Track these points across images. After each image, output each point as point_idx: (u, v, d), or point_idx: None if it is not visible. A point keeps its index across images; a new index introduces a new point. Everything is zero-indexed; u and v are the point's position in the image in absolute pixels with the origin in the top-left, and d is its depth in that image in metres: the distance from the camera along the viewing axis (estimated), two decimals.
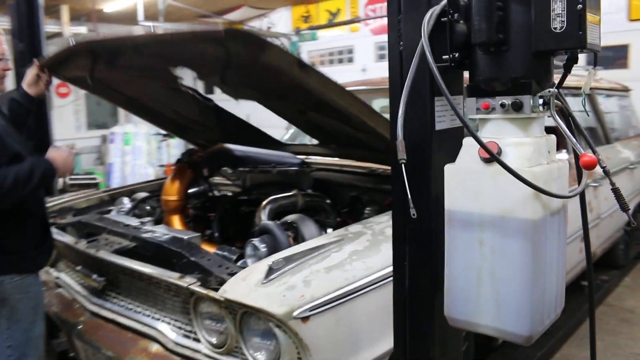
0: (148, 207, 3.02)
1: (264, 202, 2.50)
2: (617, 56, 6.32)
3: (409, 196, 1.18)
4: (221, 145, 2.78)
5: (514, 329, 1.25)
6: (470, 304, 1.31)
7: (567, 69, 1.35)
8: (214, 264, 1.95)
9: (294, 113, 2.64)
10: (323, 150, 3.12)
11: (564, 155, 3.14)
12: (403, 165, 1.21)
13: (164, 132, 8.10)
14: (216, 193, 2.86)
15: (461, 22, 1.32)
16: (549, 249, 1.26)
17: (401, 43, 1.43)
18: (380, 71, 10.01)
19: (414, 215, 1.20)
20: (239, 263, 2.19)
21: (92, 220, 2.64)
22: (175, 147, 9.09)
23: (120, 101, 3.12)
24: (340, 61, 9.62)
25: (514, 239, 1.22)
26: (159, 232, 2.30)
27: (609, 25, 6.45)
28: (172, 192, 2.57)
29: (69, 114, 9.57)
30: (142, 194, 3.17)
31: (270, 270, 1.70)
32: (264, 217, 2.43)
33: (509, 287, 1.24)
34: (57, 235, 2.61)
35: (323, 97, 2.01)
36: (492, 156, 1.13)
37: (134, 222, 2.49)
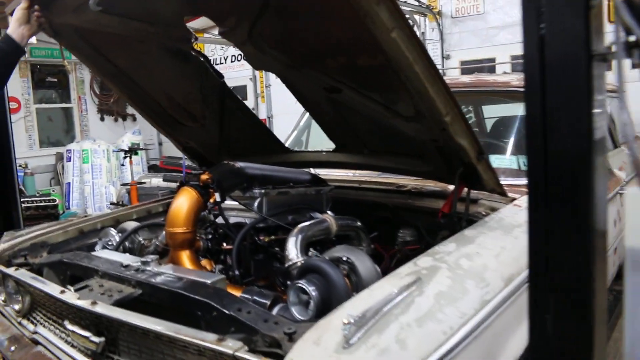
0: (141, 240, 2.55)
1: (294, 231, 2.08)
2: None
3: None
4: (230, 163, 2.34)
5: None
6: None
7: None
8: (257, 318, 1.52)
9: (319, 93, 2.26)
10: (341, 157, 2.73)
11: None
12: None
13: (126, 148, 7.56)
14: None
15: None
16: None
17: (542, 25, 1.07)
18: None
19: None
20: (274, 311, 1.78)
21: (78, 260, 2.15)
22: (138, 164, 8.50)
23: (108, 73, 2.71)
24: None
25: None
26: (171, 275, 1.86)
27: None
28: (179, 222, 2.11)
29: (20, 131, 8.79)
30: (131, 224, 2.69)
31: (350, 329, 1.29)
32: (294, 249, 2.02)
33: None
34: (32, 280, 2.11)
35: (388, 45, 1.66)
36: None
37: (133, 261, 2.02)
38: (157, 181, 8.00)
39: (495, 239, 1.93)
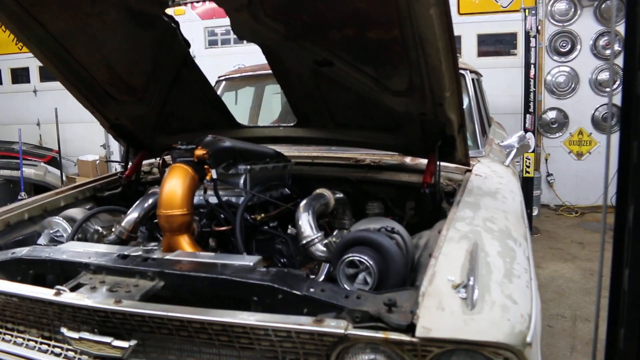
0: (98, 228, 2.22)
1: (301, 207, 2.02)
2: None
3: None
4: (216, 137, 2.14)
5: None
6: None
7: None
8: (335, 295, 1.48)
9: (307, 66, 2.20)
10: (302, 132, 2.68)
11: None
12: None
13: None
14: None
15: None
16: None
17: None
18: (211, 58, 9.29)
19: None
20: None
21: (48, 255, 1.80)
22: None
23: (34, 37, 2.25)
24: None
25: None
26: (197, 261, 1.69)
27: None
28: (176, 204, 1.88)
29: None
30: (76, 211, 2.33)
31: (466, 291, 1.33)
32: (308, 226, 1.97)
33: None
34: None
35: (420, 20, 1.69)
36: None
37: (132, 250, 1.78)
38: None
39: (491, 203, 2.10)
